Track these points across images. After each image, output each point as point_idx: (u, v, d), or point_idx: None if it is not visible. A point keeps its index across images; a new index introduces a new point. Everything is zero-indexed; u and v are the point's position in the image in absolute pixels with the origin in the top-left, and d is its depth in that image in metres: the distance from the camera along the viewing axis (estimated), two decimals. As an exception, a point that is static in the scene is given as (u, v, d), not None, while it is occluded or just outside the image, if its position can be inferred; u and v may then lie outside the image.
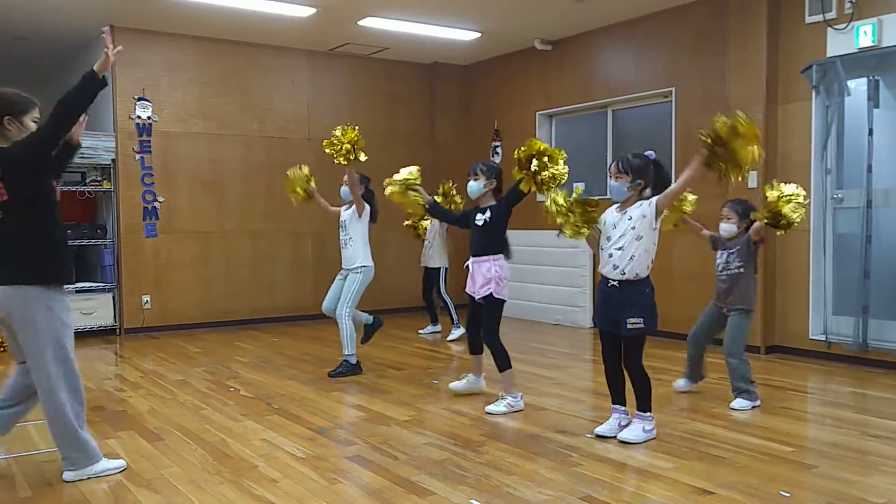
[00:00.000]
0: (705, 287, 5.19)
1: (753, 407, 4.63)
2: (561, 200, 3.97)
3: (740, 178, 3.65)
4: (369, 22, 7.53)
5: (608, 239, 3.97)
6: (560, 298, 8.20)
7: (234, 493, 3.26)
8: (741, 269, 4.68)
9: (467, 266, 4.82)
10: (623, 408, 4.09)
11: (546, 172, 4.35)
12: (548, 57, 8.42)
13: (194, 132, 8.10)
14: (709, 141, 3.56)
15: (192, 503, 3.15)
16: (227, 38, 8.13)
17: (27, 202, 3.25)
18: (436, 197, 6.03)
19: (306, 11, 7.12)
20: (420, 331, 7.76)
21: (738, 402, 4.64)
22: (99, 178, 7.77)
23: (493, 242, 4.71)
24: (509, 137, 9.06)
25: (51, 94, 9.63)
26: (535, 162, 4.36)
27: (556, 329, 7.99)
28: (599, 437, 4.01)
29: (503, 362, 4.66)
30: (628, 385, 4.06)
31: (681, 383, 5.08)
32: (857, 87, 5.94)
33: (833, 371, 5.76)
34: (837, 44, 5.91)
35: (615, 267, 3.91)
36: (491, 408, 4.57)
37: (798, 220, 4.47)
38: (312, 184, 5.96)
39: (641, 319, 3.86)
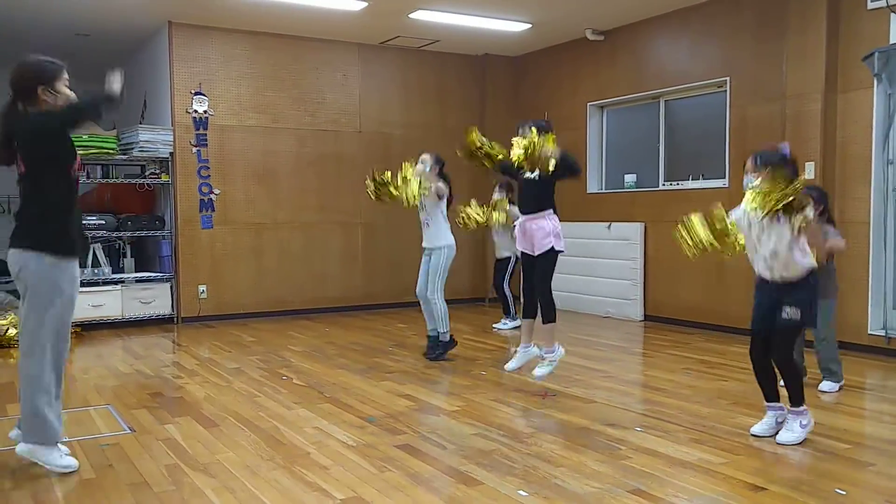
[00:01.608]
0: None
1: (840, 388, 4.85)
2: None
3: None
4: (420, 15, 7.56)
5: (759, 241, 3.78)
6: (611, 291, 8.13)
7: (286, 478, 3.34)
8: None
9: (515, 227, 4.96)
10: (778, 404, 3.94)
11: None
12: (599, 47, 8.34)
13: (248, 125, 8.25)
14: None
15: (247, 488, 3.24)
16: (279, 32, 8.25)
17: (42, 175, 3.37)
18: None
19: (358, 5, 7.18)
20: (495, 325, 7.67)
21: (827, 385, 4.85)
22: (157, 171, 7.97)
23: (545, 197, 4.75)
24: (560, 128, 8.97)
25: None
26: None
27: (607, 321, 7.93)
28: (755, 436, 3.88)
29: (551, 314, 4.77)
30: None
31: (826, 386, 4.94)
32: (922, 74, 5.76)
33: (893, 367, 5.60)
34: (901, 30, 5.73)
35: (771, 269, 3.77)
36: (537, 371, 4.80)
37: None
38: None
39: (798, 310, 3.73)
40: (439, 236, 5.82)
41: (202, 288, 8.05)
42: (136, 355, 6.37)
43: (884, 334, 5.92)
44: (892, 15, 5.76)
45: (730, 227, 3.87)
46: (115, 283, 7.77)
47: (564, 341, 6.65)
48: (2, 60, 9.27)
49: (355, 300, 8.79)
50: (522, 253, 4.91)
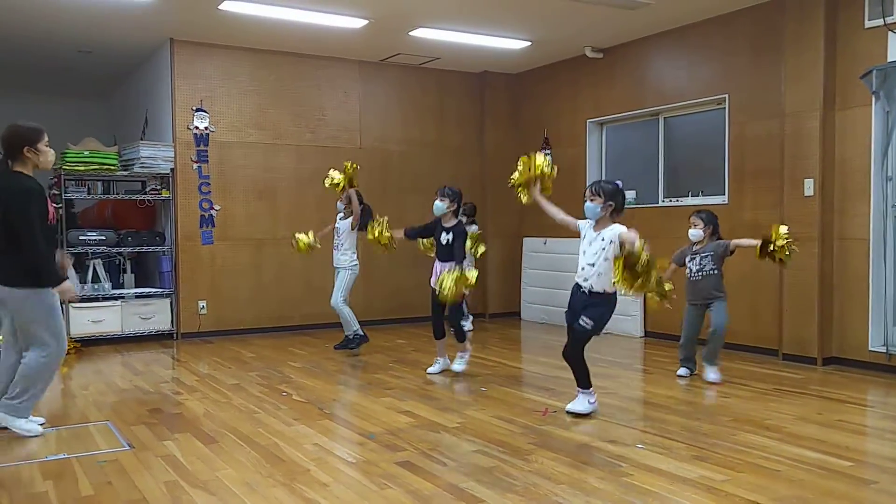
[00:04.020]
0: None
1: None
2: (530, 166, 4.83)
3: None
4: (420, 32, 7.61)
5: (583, 252, 4.62)
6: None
7: (286, 496, 3.32)
8: (715, 271, 5.61)
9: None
10: (590, 390, 4.73)
11: None
12: (598, 65, 8.39)
13: (249, 142, 8.28)
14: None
15: (246, 505, 3.23)
16: (281, 49, 8.30)
17: (16, 228, 4.04)
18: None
19: (359, 23, 7.23)
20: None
21: (717, 374, 5.57)
22: (158, 187, 7.99)
23: (455, 254, 5.73)
24: (559, 146, 9.03)
25: (113, 106, 9.99)
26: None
27: (607, 338, 7.90)
28: (569, 413, 4.65)
29: (462, 336, 6.01)
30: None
31: (684, 371, 5.87)
32: (920, 92, 5.79)
33: (894, 383, 5.59)
34: (899, 48, 5.77)
35: (585, 280, 4.58)
36: (454, 366, 5.96)
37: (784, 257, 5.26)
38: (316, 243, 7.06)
39: (592, 322, 4.53)
40: (344, 258, 6.87)
41: (202, 304, 8.05)
42: (136, 371, 6.35)
43: (885, 351, 5.91)
44: (890, 33, 5.81)
45: (547, 174, 4.79)
46: (115, 298, 7.77)
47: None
48: (4, 76, 9.36)
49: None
50: (433, 289, 5.80)
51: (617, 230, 4.45)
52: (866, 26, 5.97)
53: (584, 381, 4.69)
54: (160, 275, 8.21)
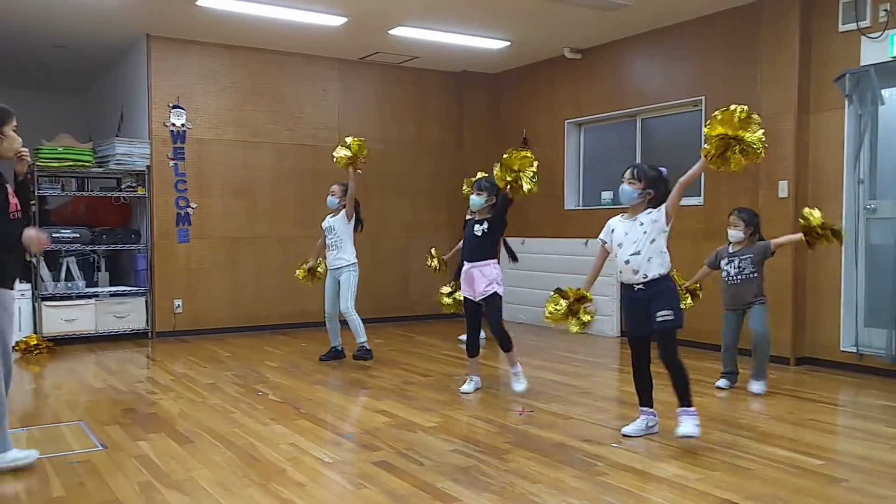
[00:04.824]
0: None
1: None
2: (559, 305, 4.37)
3: (754, 161, 3.97)
4: (400, 31, 7.60)
5: (619, 246, 4.14)
6: (587, 307, 8.15)
7: (261, 496, 3.30)
8: (755, 274, 5.26)
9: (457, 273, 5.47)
10: (651, 409, 4.27)
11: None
12: (577, 65, 8.42)
13: (227, 139, 8.22)
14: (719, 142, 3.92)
15: (221, 505, 3.21)
16: (259, 46, 8.24)
17: None
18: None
19: (338, 21, 7.20)
20: (461, 337, 7.71)
21: (761, 386, 5.24)
22: (134, 185, 7.91)
23: (489, 249, 5.20)
24: (538, 146, 9.06)
25: (88, 101, 9.86)
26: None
27: (583, 337, 7.95)
28: (626, 436, 4.18)
29: (509, 345, 5.19)
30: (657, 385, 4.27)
31: (722, 383, 5.50)
32: (892, 95, 5.87)
33: (864, 384, 5.67)
34: (871, 52, 5.84)
35: (636, 272, 4.06)
36: (518, 387, 5.14)
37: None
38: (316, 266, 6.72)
39: (671, 312, 4.00)
40: (345, 256, 6.36)
41: (178, 302, 7.98)
42: (110, 370, 6.29)
43: (855, 351, 6.00)
44: (863, 37, 5.89)
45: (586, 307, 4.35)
46: (89, 297, 7.67)
47: (542, 357, 6.70)
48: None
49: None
50: (465, 297, 5.31)
51: (659, 210, 4.05)
52: (840, 30, 6.05)
53: (685, 397, 4.04)
54: (135, 273, 8.13)
